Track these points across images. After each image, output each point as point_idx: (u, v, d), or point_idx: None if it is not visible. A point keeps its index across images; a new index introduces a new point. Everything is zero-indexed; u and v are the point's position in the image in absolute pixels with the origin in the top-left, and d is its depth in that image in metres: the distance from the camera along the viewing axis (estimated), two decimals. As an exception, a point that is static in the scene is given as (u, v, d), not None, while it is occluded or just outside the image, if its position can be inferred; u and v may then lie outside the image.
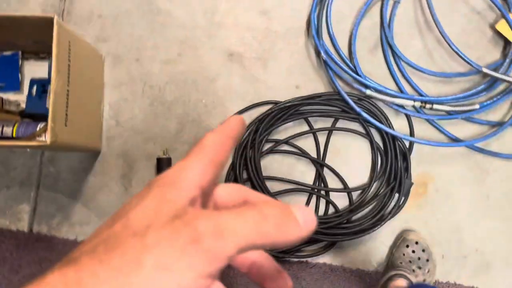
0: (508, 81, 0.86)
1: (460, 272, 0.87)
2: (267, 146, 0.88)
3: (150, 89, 0.89)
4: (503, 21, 0.90)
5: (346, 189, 0.88)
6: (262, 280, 0.25)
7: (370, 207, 0.87)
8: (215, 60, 0.90)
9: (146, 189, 0.20)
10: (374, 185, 0.88)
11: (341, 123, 0.90)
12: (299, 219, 0.20)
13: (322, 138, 0.89)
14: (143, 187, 0.20)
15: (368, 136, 0.89)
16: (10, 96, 0.85)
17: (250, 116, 0.89)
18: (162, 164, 0.86)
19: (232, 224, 0.18)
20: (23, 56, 0.85)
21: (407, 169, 0.87)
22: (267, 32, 0.91)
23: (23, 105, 0.85)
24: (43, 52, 0.86)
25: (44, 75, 0.86)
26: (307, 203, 0.87)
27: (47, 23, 0.66)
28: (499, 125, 0.89)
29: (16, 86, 0.83)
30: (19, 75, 0.83)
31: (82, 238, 0.85)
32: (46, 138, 0.62)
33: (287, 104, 0.87)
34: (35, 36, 0.73)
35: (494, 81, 0.90)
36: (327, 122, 0.90)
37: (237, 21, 0.91)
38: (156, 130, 0.88)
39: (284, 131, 0.89)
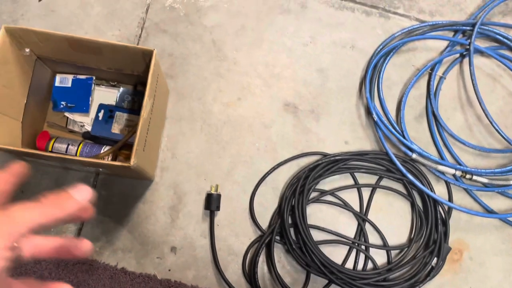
0: (544, 162, 0.92)
1: None
2: (313, 195, 0.91)
3: (208, 127, 0.93)
4: (537, 106, 0.98)
5: (386, 246, 0.90)
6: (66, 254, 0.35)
7: (408, 268, 0.89)
8: (271, 108, 0.95)
9: None
10: (414, 246, 0.90)
11: (384, 182, 0.94)
12: (73, 194, 0.31)
13: (365, 194, 0.93)
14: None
15: (410, 197, 0.93)
16: (76, 116, 0.88)
17: (299, 164, 0.93)
18: (212, 200, 0.88)
19: (20, 212, 0.29)
20: (95, 82, 0.89)
21: (445, 234, 0.91)
22: (322, 88, 0.98)
23: (87, 127, 0.89)
24: (113, 80, 0.91)
25: (111, 101, 0.90)
26: (347, 255, 0.89)
27: (144, 55, 0.71)
28: (532, 202, 0.94)
29: (85, 108, 0.87)
30: (90, 98, 0.87)
31: (123, 265, 0.85)
32: (130, 161, 0.64)
33: (337, 158, 0.91)
34: (123, 66, 0.78)
35: (528, 160, 0.96)
36: (371, 179, 0.94)
37: (295, 75, 0.98)
38: (209, 167, 0.91)
39: (330, 183, 0.93)
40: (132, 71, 0.80)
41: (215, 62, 0.96)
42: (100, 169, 0.82)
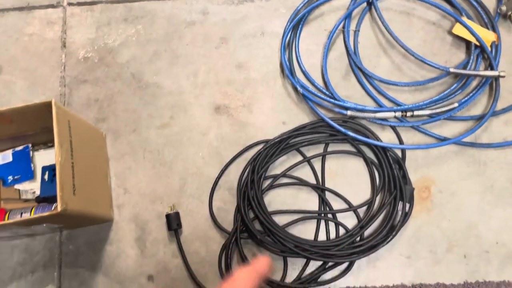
0: (476, 75, 0.91)
1: (486, 268, 0.85)
2: (267, 182, 0.92)
3: (150, 154, 0.96)
4: (458, 24, 0.98)
5: (351, 207, 0.90)
6: None
7: (379, 221, 0.88)
8: (204, 116, 0.98)
9: None
10: (377, 199, 0.90)
11: (332, 147, 0.94)
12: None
13: (317, 165, 0.93)
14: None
15: (359, 153, 0.93)
16: (25, 185, 0.93)
17: (246, 159, 0.94)
18: (171, 219, 0.90)
19: None
20: (33, 148, 0.94)
21: (404, 176, 0.90)
22: (246, 81, 1.00)
23: (37, 192, 0.92)
24: (51, 141, 0.95)
25: (53, 161, 0.94)
26: (317, 229, 0.89)
27: (48, 107, 0.75)
28: (482, 118, 0.92)
29: (30, 175, 0.91)
30: (31, 165, 0.92)
31: (107, 308, 0.87)
32: (58, 207, 0.67)
33: (277, 139, 0.92)
34: (40, 123, 0.82)
35: (466, 79, 0.95)
36: (318, 149, 0.94)
37: (217, 78, 1.00)
38: (161, 190, 0.93)
39: (280, 166, 0.93)
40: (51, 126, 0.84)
41: (139, 92, 1.00)
42: (56, 225, 0.86)
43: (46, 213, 0.68)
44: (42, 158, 0.94)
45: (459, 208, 0.89)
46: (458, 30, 0.98)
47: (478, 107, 0.95)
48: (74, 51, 1.04)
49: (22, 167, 0.92)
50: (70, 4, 1.07)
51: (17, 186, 0.93)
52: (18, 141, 0.92)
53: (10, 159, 0.92)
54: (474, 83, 0.96)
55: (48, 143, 0.96)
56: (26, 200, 0.93)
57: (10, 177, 0.92)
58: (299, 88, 0.94)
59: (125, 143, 0.97)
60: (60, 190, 0.68)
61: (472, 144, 0.92)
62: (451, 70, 0.92)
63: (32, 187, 0.93)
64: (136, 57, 1.03)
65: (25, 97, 1.01)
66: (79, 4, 1.07)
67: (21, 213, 0.87)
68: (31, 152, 0.93)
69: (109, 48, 1.04)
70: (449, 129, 0.94)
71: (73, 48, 1.04)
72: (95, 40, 1.04)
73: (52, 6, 1.07)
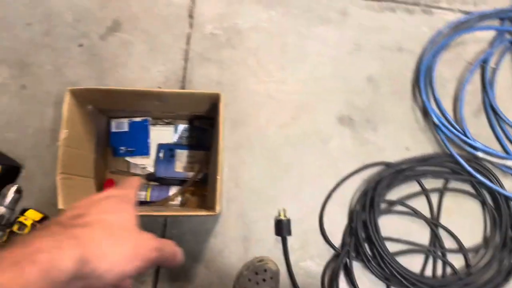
0: None
1: None
2: (382, 206, 0.90)
3: (267, 151, 0.92)
4: None
5: (462, 250, 0.89)
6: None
7: (487, 269, 0.88)
8: (327, 123, 0.94)
9: (109, 200, 0.35)
10: (490, 246, 0.89)
11: (451, 184, 0.92)
12: (179, 255, 0.37)
13: (434, 199, 0.92)
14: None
15: (480, 197, 0.91)
16: (137, 159, 0.88)
17: (362, 177, 0.92)
18: (283, 226, 0.87)
19: (166, 249, 0.36)
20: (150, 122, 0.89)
21: (522, 230, 0.89)
22: (374, 96, 0.96)
23: (149, 169, 0.88)
24: (167, 118, 0.90)
25: (168, 139, 0.89)
26: (425, 264, 0.88)
27: (211, 98, 0.70)
28: None
29: (145, 151, 0.87)
30: (149, 140, 0.87)
31: (204, 301, 0.86)
32: (216, 209, 0.64)
33: (402, 167, 0.90)
34: (184, 109, 0.77)
35: None
36: (438, 183, 0.92)
37: (345, 85, 0.96)
38: (273, 192, 0.90)
39: (397, 192, 0.91)
40: (194, 112, 0.79)
41: (264, 84, 0.95)
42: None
43: (203, 213, 0.65)
44: (158, 134, 0.89)
45: None
46: None
47: None
48: (201, 24, 0.97)
49: (138, 141, 0.87)
50: (202, -30, 0.99)
51: (128, 159, 0.88)
52: (136, 112, 0.86)
53: (125, 128, 0.87)
54: None
55: (164, 119, 0.91)
56: (135, 175, 0.89)
57: (123, 148, 0.87)
58: (434, 117, 0.91)
59: (243, 135, 0.92)
60: (219, 193, 0.65)
61: None
62: None
63: (143, 163, 0.88)
64: (265, 45, 0.97)
65: (143, 62, 0.94)
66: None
67: (136, 191, 0.83)
68: (149, 127, 0.88)
69: (238, 29, 0.97)
70: None
71: (200, 20, 0.97)
72: (225, 17, 0.97)
73: (183, -32, 0.99)
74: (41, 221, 0.83)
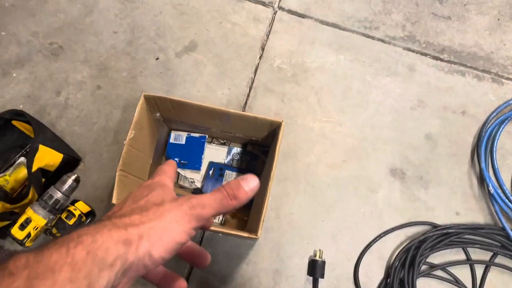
0: None
1: None
2: (422, 268, 0.87)
3: (312, 188, 0.92)
4: None
5: (503, 332, 0.83)
6: (191, 257, 0.41)
7: None
8: (377, 172, 0.93)
9: (147, 188, 0.35)
10: (535, 335, 0.83)
11: (499, 259, 0.88)
12: (246, 188, 0.34)
13: (478, 271, 0.87)
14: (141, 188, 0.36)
15: (530, 279, 0.86)
16: (187, 173, 0.91)
17: (406, 234, 0.90)
18: (317, 267, 0.86)
19: (208, 201, 0.33)
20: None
21: None
22: (430, 154, 0.94)
23: (197, 184, 0.91)
24: (223, 138, 0.93)
25: (220, 159, 0.92)
26: (460, 338, 0.83)
27: (271, 125, 0.72)
28: None
29: (198, 166, 0.89)
30: (202, 156, 0.90)
31: (225, 326, 0.84)
32: (258, 233, 0.64)
33: (450, 230, 0.87)
34: (242, 131, 0.80)
35: None
36: (485, 255, 0.88)
37: (402, 139, 0.96)
38: (312, 230, 0.90)
39: (440, 256, 0.88)
40: (250, 137, 0.81)
41: (320, 123, 0.96)
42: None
43: (245, 234, 0.66)
44: (211, 152, 0.93)
45: None
46: None
47: None
48: (271, 57, 1.01)
49: (192, 155, 0.90)
50: (281, 8, 1.05)
51: (179, 170, 0.91)
52: (195, 127, 0.90)
53: (183, 141, 0.91)
54: None
55: (220, 139, 0.94)
56: (181, 187, 0.92)
57: (177, 159, 0.91)
58: (490, 185, 0.88)
59: (291, 168, 0.94)
60: (263, 219, 0.66)
61: None
62: None
63: (192, 177, 0.91)
64: (328, 86, 0.99)
65: (211, 83, 0.99)
66: (290, 12, 1.05)
67: (181, 202, 0.86)
68: (205, 144, 0.91)
69: (305, 68, 1.01)
70: None
71: (270, 53, 1.02)
72: (294, 54, 1.01)
73: (263, 3, 1.05)
74: (88, 214, 0.87)
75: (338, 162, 0.94)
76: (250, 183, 0.35)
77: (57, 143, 0.88)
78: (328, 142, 0.95)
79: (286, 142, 0.95)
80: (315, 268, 0.86)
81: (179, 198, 0.33)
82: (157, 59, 1.02)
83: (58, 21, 1.06)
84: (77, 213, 0.84)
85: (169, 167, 0.40)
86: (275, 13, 1.04)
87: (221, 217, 0.86)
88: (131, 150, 0.71)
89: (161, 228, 0.30)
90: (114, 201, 0.66)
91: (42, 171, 0.83)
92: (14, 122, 0.90)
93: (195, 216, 0.32)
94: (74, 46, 1.04)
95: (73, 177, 0.79)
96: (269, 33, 1.03)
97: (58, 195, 0.77)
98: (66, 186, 0.78)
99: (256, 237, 0.65)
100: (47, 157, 0.83)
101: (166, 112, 0.79)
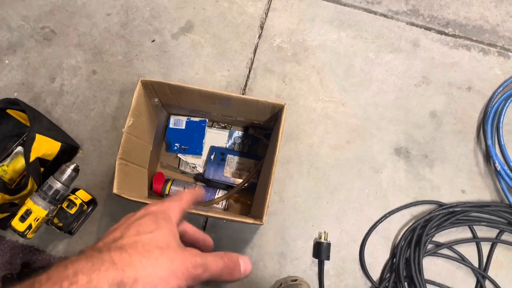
0: None
1: None
2: (428, 247, 0.86)
3: (315, 170, 0.91)
4: None
5: (509, 308, 0.83)
6: (194, 244, 0.40)
7: (535, 333, 0.82)
8: (382, 152, 0.92)
9: (152, 218, 0.33)
10: (541, 310, 0.83)
11: (506, 236, 0.87)
12: (241, 268, 0.35)
13: (485, 248, 0.87)
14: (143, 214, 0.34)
15: (536, 255, 0.85)
16: (188, 158, 0.89)
17: (411, 213, 0.89)
18: (322, 249, 0.85)
19: (213, 267, 0.33)
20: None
21: None
22: (435, 132, 0.93)
23: (198, 169, 0.89)
24: (224, 122, 0.91)
25: (221, 143, 0.90)
26: (466, 315, 0.83)
27: (273, 108, 0.70)
28: None
29: (199, 151, 0.88)
30: (203, 141, 0.88)
31: (232, 310, 0.85)
32: (263, 220, 0.63)
33: (456, 209, 0.86)
34: (244, 115, 0.78)
35: None
36: (491, 233, 0.87)
37: (406, 117, 0.94)
38: (317, 212, 0.89)
39: (446, 235, 0.87)
40: (251, 120, 0.79)
41: (323, 103, 0.94)
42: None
43: (249, 221, 0.64)
44: (212, 137, 0.91)
45: None
46: None
47: None
48: (270, 36, 0.98)
49: (192, 140, 0.88)
50: (279, -16, 1.01)
51: (180, 156, 0.90)
52: (195, 111, 0.88)
53: (182, 126, 0.89)
54: None
55: (221, 123, 0.92)
56: (183, 172, 0.90)
57: (177, 145, 0.89)
58: (496, 162, 0.87)
59: (294, 150, 0.92)
60: (267, 205, 0.64)
61: None
62: None
63: (194, 162, 0.90)
64: (329, 65, 0.96)
65: (209, 65, 0.96)
66: (288, -12, 1.01)
67: (184, 187, 0.85)
68: (206, 128, 0.89)
69: (306, 46, 0.98)
70: None
71: (270, 32, 0.98)
72: (294, 32, 0.98)
73: (261, -20, 1.01)
74: (89, 203, 0.86)
75: (342, 143, 0.92)
76: (246, 264, 0.36)
77: (54, 131, 0.86)
78: (331, 122, 0.93)
79: (288, 124, 0.93)
80: (321, 250, 0.86)
81: (185, 250, 0.32)
82: (153, 41, 0.98)
83: (49, 4, 1.02)
84: (78, 202, 0.83)
85: (189, 196, 0.39)
86: (273, -10, 1.01)
87: (224, 202, 0.84)
88: (130, 137, 0.69)
89: (159, 278, 0.29)
90: (115, 190, 0.65)
91: (40, 160, 0.81)
92: (9, 111, 0.88)
93: (194, 277, 0.31)
94: (67, 30, 1.00)
95: (72, 166, 0.77)
96: (267, 11, 1.00)
97: (58, 185, 0.75)
98: (65, 176, 0.76)
99: (261, 223, 0.64)
100: (45, 146, 0.81)
101: (164, 98, 0.77)
